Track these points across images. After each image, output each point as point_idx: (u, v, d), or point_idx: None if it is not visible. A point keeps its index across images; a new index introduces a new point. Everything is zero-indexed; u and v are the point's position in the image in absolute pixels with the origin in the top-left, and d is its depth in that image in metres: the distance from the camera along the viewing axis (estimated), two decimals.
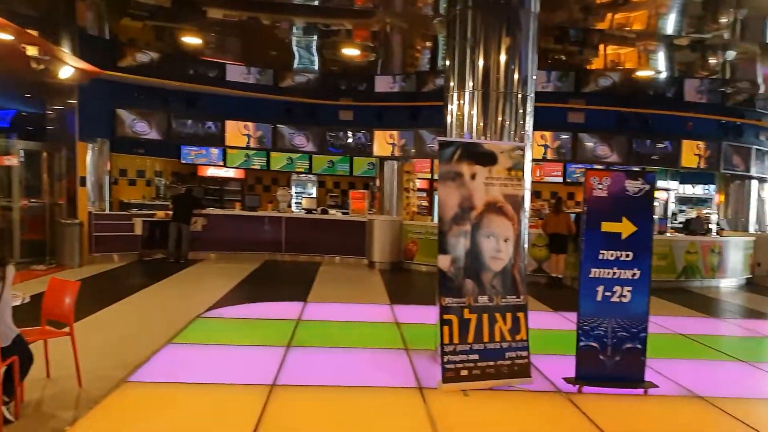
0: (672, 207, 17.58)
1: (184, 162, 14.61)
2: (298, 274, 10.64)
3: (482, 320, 4.83)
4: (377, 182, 14.20)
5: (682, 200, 18.26)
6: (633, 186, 4.94)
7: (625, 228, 4.93)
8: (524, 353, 4.92)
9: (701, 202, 17.41)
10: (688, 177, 15.86)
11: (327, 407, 4.29)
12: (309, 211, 13.18)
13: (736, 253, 11.49)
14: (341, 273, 11.12)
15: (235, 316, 7.09)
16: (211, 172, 15.62)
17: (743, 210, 13.45)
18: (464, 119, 5.58)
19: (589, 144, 12.20)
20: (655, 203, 14.27)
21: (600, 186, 4.92)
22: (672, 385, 5.08)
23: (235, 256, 11.89)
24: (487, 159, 4.98)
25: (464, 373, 4.70)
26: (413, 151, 12.88)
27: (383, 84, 13.17)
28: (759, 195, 15.66)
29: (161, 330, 6.07)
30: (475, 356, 4.75)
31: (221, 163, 15.00)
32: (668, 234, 11.57)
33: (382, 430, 3.94)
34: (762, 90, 12.18)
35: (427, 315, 6.59)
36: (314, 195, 15.94)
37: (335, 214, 13.33)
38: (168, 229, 11.20)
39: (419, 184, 14.93)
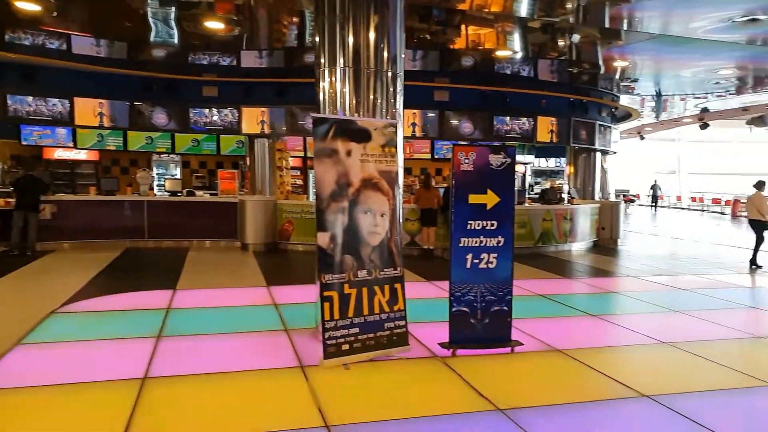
0: (529, 179, 19.03)
1: (25, 143, 13.11)
2: (164, 261, 10.06)
3: (362, 294, 4.90)
4: (247, 161, 13.78)
5: (538, 173, 19.82)
6: (496, 160, 5.23)
7: (490, 199, 5.22)
8: (402, 323, 5.08)
9: (554, 174, 19.06)
10: (543, 151, 17.28)
11: (205, 396, 4.12)
12: (173, 193, 12.46)
13: (584, 219, 12.73)
14: (212, 257, 10.70)
15: (95, 310, 6.54)
16: (60, 154, 14.20)
17: (589, 180, 14.95)
18: (337, 97, 5.55)
19: (455, 121, 12.78)
20: (515, 175, 15.41)
21: (466, 161, 5.16)
22: (535, 341, 5.53)
23: (91, 245, 10.95)
24: (362, 136, 5.01)
25: (345, 347, 4.75)
26: (285, 128, 12.64)
27: (250, 59, 12.72)
28: (602, 166, 17.43)
29: (7, 331, 5.45)
30: (356, 330, 4.82)
31: (71, 145, 13.66)
32: (527, 204, 12.53)
33: (264, 412, 3.87)
34: (602, 71, 13.49)
35: (305, 294, 6.56)
36: (179, 176, 15.09)
37: (203, 195, 12.75)
38: (11, 219, 10.00)
39: (293, 162, 14.72)
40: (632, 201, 27.52)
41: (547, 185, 15.30)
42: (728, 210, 27.47)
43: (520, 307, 5.95)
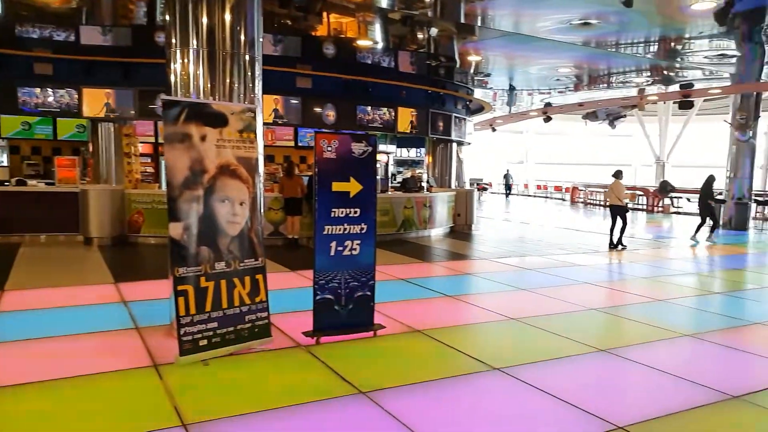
0: (392, 168, 19.54)
1: None
2: None
3: (220, 287, 4.69)
4: (90, 147, 12.59)
5: (400, 162, 20.44)
6: (358, 148, 5.27)
7: (353, 187, 5.26)
8: (264, 314, 4.95)
9: (415, 163, 19.77)
10: (404, 141, 17.82)
11: (46, 405, 3.70)
12: (0, 182, 11.04)
13: (442, 207, 13.35)
14: (49, 253, 9.65)
15: None
16: None
17: (447, 169, 15.70)
18: (190, 79, 5.23)
19: (318, 109, 12.72)
20: (378, 164, 15.73)
21: (329, 148, 5.14)
22: (397, 324, 5.70)
23: None
24: (218, 120, 4.77)
25: (203, 342, 4.53)
26: (133, 112, 11.71)
27: (91, 35, 11.58)
28: (458, 156, 18.37)
29: None
30: (215, 324, 4.61)
31: None
32: (389, 192, 12.85)
33: (114, 417, 3.57)
34: (458, 65, 14.22)
35: (159, 290, 6.16)
36: (5, 163, 13.39)
37: (36, 185, 11.41)
38: None
39: (142, 148, 13.70)
40: (485, 189, 29.45)
41: (409, 174, 15.84)
42: (568, 196, 30.44)
43: (383, 291, 6.10)
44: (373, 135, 5.65)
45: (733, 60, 13.91)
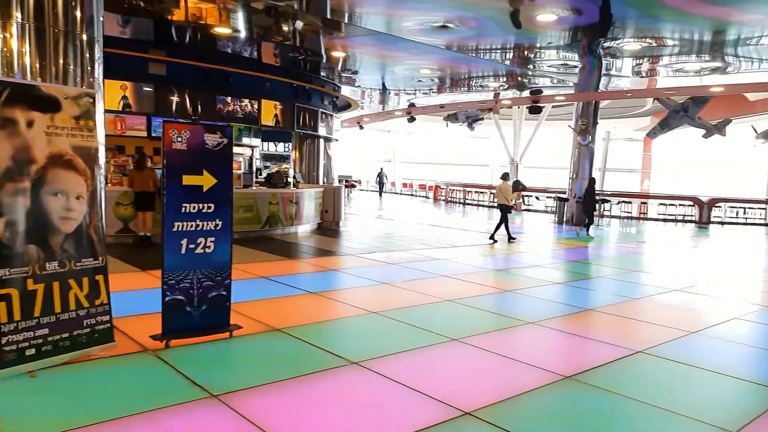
0: (258, 163, 19.00)
1: None
2: None
3: (52, 289, 4.23)
4: None
5: (268, 157, 19.95)
6: (212, 140, 5.02)
7: (206, 181, 5.01)
8: (106, 318, 4.55)
9: (284, 158, 19.42)
10: (270, 135, 17.36)
11: None
12: None
13: (309, 203, 13.25)
14: None
15: None
16: None
17: (314, 165, 15.61)
18: (13, 57, 4.66)
19: (174, 98, 12.01)
20: (241, 158, 15.22)
21: (179, 139, 4.84)
22: (255, 323, 5.53)
23: None
24: (48, 105, 4.27)
25: (31, 352, 4.05)
26: None
27: None
28: (327, 152, 18.36)
29: None
30: (45, 330, 4.14)
31: None
32: (254, 188, 12.50)
33: None
34: (325, 60, 14.14)
35: None
36: None
37: None
38: None
39: None
40: (353, 186, 29.80)
41: (275, 169, 15.53)
42: (431, 195, 31.75)
43: (243, 290, 5.91)
44: (228, 126, 5.41)
45: (576, 70, 15.31)
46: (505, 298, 7.29)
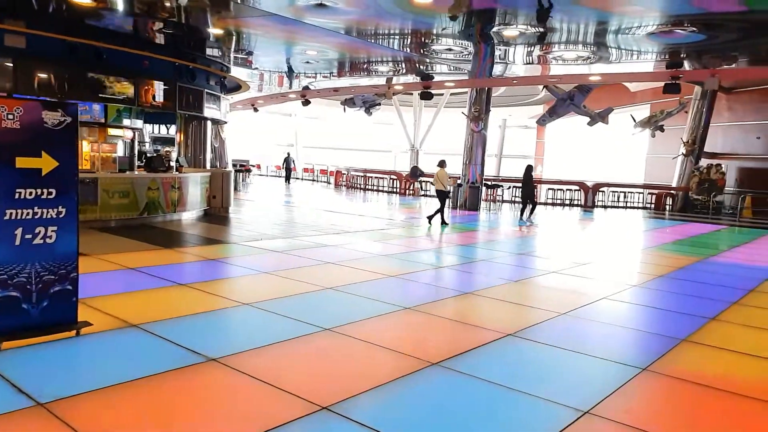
0: (148, 147, 17.89)
1: None
2: None
3: None
4: None
5: (158, 140, 18.82)
6: (52, 118, 4.50)
7: (46, 163, 4.49)
8: None
9: (171, 142, 18.39)
10: (153, 117, 16.34)
11: None
12: None
13: (195, 188, 12.56)
14: None
15: None
16: None
17: (201, 148, 14.83)
18: None
19: (38, 74, 10.87)
20: (119, 141, 14.19)
21: (11, 117, 4.28)
22: (110, 319, 5.07)
23: None
24: None
25: None
26: None
27: None
28: (219, 136, 17.56)
29: None
30: None
31: None
32: (130, 173, 11.64)
33: None
34: (211, 38, 13.37)
35: None
36: None
37: None
38: None
39: None
40: (249, 171, 28.78)
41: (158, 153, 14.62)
42: (332, 180, 31.49)
43: (104, 283, 5.43)
44: (73, 103, 4.85)
45: (470, 57, 15.56)
46: (388, 285, 7.22)
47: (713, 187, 22.70)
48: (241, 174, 22.34)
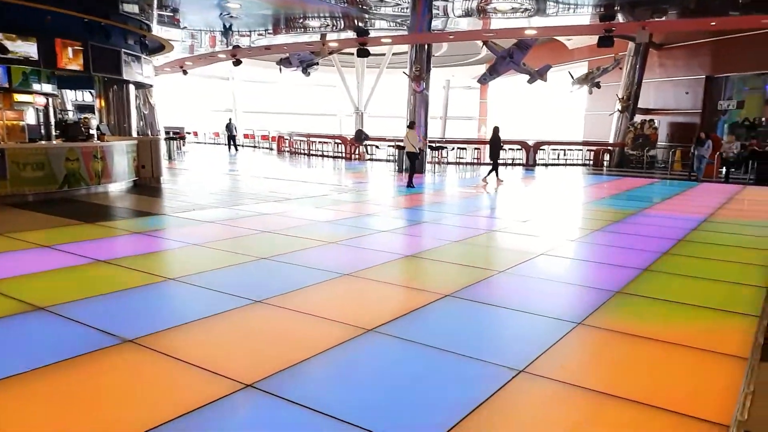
0: (71, 115, 16.63)
1: None
2: None
3: None
4: None
5: (84, 108, 17.54)
6: None
7: None
8: None
9: (92, 109, 17.18)
10: (68, 81, 14.93)
11: None
12: None
13: (120, 158, 11.81)
14: None
15: None
16: None
17: (124, 115, 13.90)
18: None
19: None
20: (29, 108, 13.04)
21: None
22: (13, 303, 4.63)
23: None
24: None
25: None
26: None
27: None
28: (148, 101, 16.54)
29: None
30: None
31: None
32: (44, 142, 10.79)
33: None
34: None
35: None
36: None
37: None
38: None
39: None
40: (183, 138, 27.50)
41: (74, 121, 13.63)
42: (275, 146, 30.67)
43: (12, 264, 4.91)
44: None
45: (408, 12, 15.03)
46: (325, 252, 6.96)
47: (647, 142, 23.37)
48: (174, 142, 21.34)
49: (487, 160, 23.89)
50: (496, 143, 16.60)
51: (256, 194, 12.07)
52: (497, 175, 16.69)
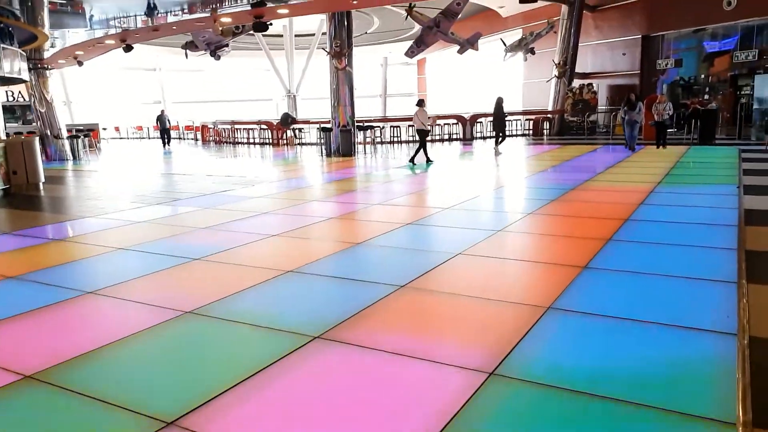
0: None
1: None
2: None
3: None
4: None
5: None
6: None
7: None
8: None
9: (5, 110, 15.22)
10: None
11: None
12: None
13: None
14: None
15: None
16: None
17: None
18: None
19: None
20: None
21: None
22: None
23: None
24: None
25: None
26: None
27: None
28: (44, 97, 14.73)
29: None
30: None
31: None
32: None
33: None
34: None
35: None
36: None
37: None
38: None
39: None
40: (87, 136, 24.76)
41: None
42: (200, 136, 28.88)
43: None
44: None
45: None
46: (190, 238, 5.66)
47: (587, 107, 22.68)
48: (78, 140, 19.42)
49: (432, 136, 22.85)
50: (499, 115, 16.84)
51: (142, 196, 10.57)
52: (496, 145, 17.07)
